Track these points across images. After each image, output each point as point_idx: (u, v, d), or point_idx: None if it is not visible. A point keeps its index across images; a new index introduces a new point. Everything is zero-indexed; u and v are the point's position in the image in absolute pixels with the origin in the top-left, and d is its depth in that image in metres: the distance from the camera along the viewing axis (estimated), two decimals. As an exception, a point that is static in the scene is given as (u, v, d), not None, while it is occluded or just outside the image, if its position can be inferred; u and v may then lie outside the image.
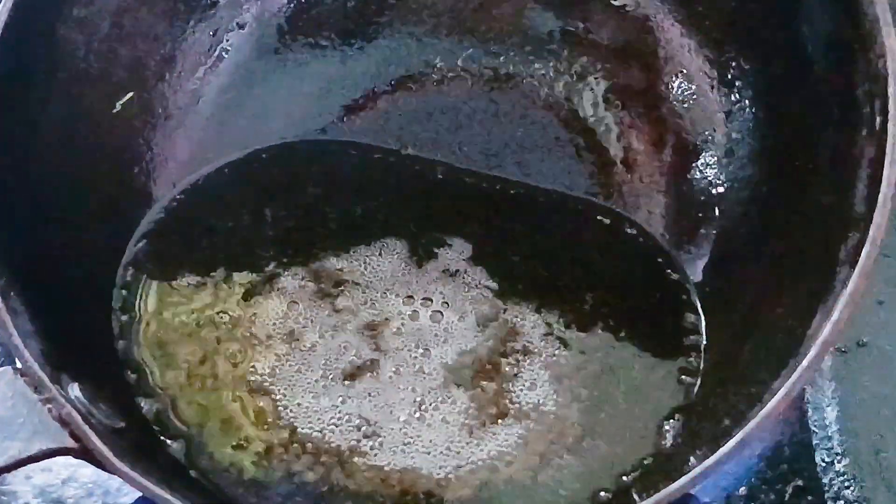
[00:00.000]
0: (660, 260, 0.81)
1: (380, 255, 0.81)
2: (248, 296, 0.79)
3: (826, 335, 0.62)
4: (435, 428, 0.75)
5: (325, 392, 0.76)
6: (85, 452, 0.63)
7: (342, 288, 0.79)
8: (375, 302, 0.79)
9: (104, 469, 0.63)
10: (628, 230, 0.82)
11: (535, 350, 0.77)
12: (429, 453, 0.74)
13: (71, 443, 0.63)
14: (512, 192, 0.83)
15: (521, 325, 0.78)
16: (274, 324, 0.78)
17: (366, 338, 0.78)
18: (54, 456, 0.63)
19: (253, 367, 0.76)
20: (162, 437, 0.73)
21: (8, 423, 0.62)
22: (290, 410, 0.75)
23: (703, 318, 0.77)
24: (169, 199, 0.82)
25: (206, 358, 0.77)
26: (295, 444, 0.74)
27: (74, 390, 0.65)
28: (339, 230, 0.82)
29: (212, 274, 0.79)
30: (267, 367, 0.76)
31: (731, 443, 0.61)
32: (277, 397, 0.75)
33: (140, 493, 0.62)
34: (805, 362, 0.62)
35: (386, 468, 0.73)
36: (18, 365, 0.64)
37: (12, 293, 0.66)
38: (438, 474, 0.73)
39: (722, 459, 0.61)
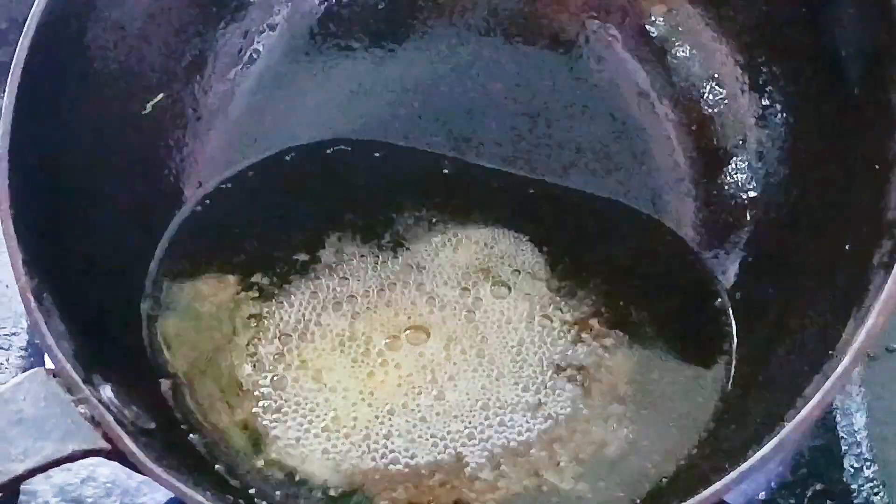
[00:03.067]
0: (691, 264, 0.81)
1: (409, 257, 0.81)
2: (274, 297, 0.79)
3: (861, 342, 0.62)
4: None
5: (348, 394, 0.76)
6: (117, 454, 0.63)
7: (373, 291, 0.80)
8: (400, 306, 0.79)
9: (136, 470, 0.63)
10: (659, 234, 0.82)
11: (567, 354, 0.77)
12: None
13: (103, 444, 0.63)
14: (544, 193, 0.83)
15: (551, 332, 0.78)
16: (298, 326, 0.78)
17: (391, 341, 0.78)
18: (87, 457, 0.63)
19: (274, 368, 0.76)
20: (190, 437, 0.73)
21: (41, 423, 0.62)
22: (309, 413, 0.75)
23: (734, 322, 0.77)
24: (198, 200, 0.82)
25: (229, 359, 0.77)
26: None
27: (106, 391, 0.65)
28: (369, 232, 0.82)
29: (241, 275, 0.80)
30: (288, 369, 0.76)
31: (767, 447, 0.60)
32: (297, 400, 0.75)
33: (171, 494, 0.62)
34: (840, 369, 0.62)
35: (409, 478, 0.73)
36: (50, 365, 0.65)
37: (45, 294, 0.66)
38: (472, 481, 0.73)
39: (756, 465, 0.60)
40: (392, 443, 0.73)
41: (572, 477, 0.72)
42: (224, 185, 0.83)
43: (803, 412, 0.61)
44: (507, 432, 0.74)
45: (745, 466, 0.60)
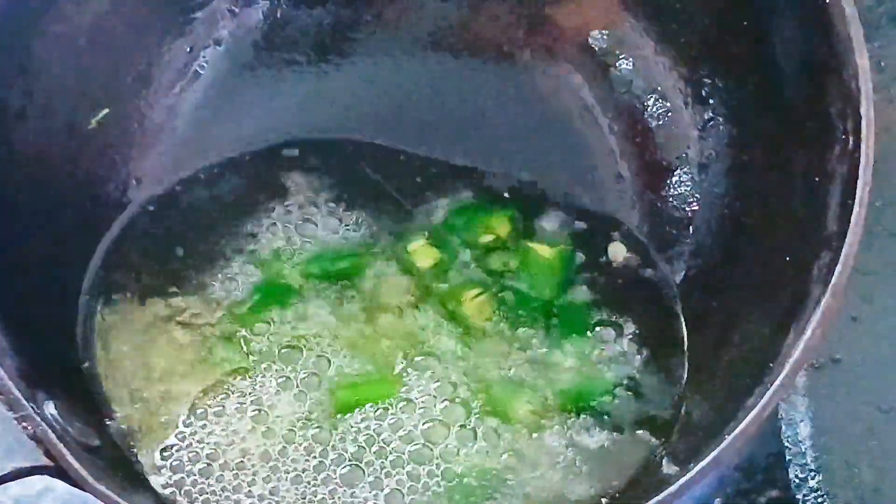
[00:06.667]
0: (641, 274, 0.81)
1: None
2: (217, 310, 0.79)
3: (799, 354, 0.63)
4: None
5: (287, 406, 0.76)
6: (60, 471, 0.63)
7: (316, 300, 0.80)
8: (351, 311, 0.80)
9: (79, 488, 0.63)
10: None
11: (521, 360, 0.78)
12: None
13: (46, 461, 0.63)
14: (489, 199, 0.84)
15: (502, 332, 0.79)
16: (242, 339, 0.78)
17: (328, 350, 0.78)
18: (30, 475, 0.63)
19: (215, 385, 0.77)
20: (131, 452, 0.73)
21: (-19, 442, 0.62)
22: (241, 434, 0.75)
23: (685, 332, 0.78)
24: (143, 214, 0.82)
25: (167, 373, 0.77)
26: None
27: (49, 408, 0.65)
28: (312, 245, 0.82)
29: (186, 289, 0.79)
30: (229, 386, 0.77)
31: (705, 461, 0.61)
32: (237, 427, 0.76)
33: (115, 511, 0.63)
34: (778, 381, 0.62)
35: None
36: (-6, 383, 0.64)
37: (-14, 311, 0.66)
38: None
39: (695, 478, 0.61)
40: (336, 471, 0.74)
41: (516, 482, 0.73)
42: (169, 199, 0.82)
43: (742, 425, 0.62)
44: (450, 452, 0.75)
45: (684, 479, 0.61)
